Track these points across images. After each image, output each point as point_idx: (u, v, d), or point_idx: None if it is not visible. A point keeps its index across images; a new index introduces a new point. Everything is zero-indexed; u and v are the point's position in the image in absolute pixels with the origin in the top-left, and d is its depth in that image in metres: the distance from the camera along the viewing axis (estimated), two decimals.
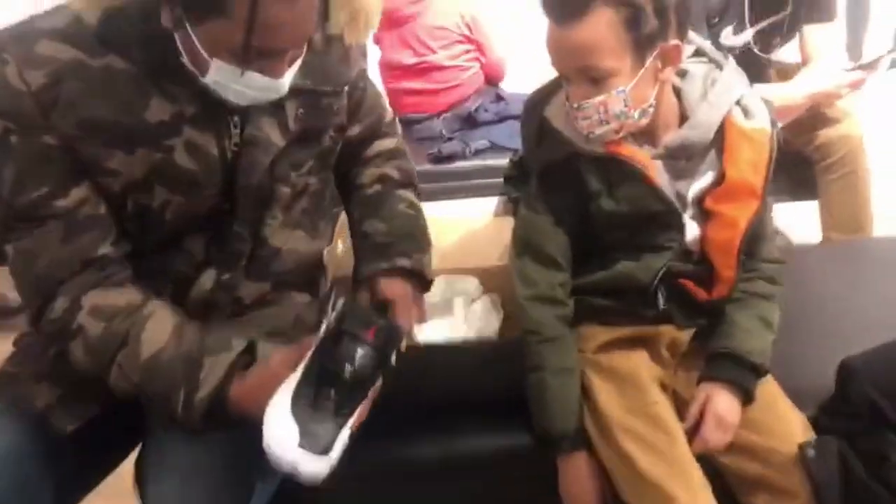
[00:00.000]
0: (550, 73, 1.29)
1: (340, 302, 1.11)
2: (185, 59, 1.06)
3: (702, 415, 1.26)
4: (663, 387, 1.33)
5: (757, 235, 1.32)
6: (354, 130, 1.36)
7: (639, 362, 1.33)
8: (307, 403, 1.04)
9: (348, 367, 1.05)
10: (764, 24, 2.02)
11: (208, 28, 1.00)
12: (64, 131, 1.06)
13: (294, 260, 1.30)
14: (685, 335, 1.37)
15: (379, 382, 1.10)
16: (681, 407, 1.31)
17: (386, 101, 1.48)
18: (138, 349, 1.10)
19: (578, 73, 1.20)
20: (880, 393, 1.24)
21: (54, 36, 1.05)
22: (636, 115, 1.21)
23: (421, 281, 1.31)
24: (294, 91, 1.14)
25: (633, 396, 1.28)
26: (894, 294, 1.62)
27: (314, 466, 1.01)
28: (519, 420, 1.33)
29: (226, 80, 1.04)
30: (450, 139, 2.84)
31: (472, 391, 1.45)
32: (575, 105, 1.21)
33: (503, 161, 1.80)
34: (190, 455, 1.16)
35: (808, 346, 1.49)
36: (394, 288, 1.27)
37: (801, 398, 1.33)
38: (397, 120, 1.58)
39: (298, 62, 1.09)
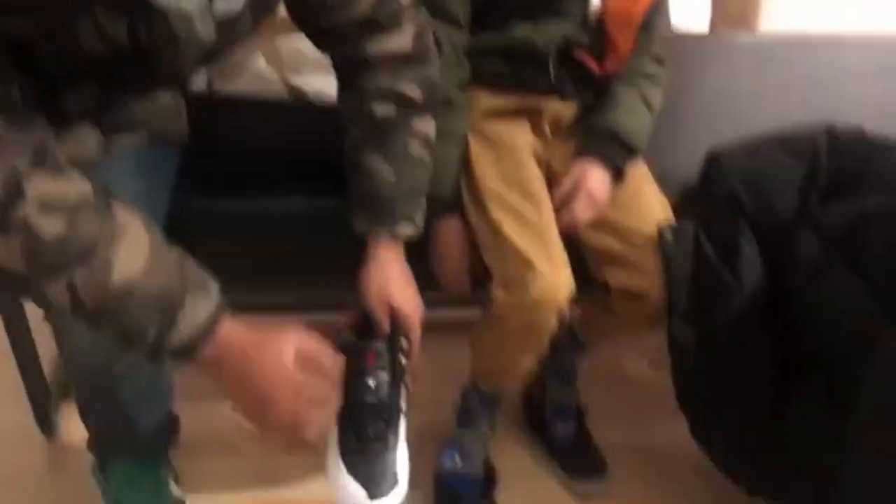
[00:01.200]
0: None
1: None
2: None
3: (574, 189, 1.27)
4: (539, 160, 1.33)
5: (656, 11, 1.30)
6: None
7: (519, 134, 1.33)
8: (356, 450, 1.11)
9: (370, 400, 1.10)
10: None
11: None
12: None
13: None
14: (569, 110, 1.36)
15: (406, 383, 1.15)
16: (554, 181, 1.32)
17: None
18: (107, 273, 0.91)
19: None
20: (742, 183, 1.29)
21: None
22: None
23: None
24: None
25: (509, 167, 1.28)
26: (772, 90, 1.64)
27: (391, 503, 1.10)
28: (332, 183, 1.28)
29: None
30: None
31: (289, 150, 1.40)
32: None
33: None
34: None
35: (681, 133, 1.51)
36: (389, 257, 1.16)
37: (667, 182, 1.37)
38: None
39: None
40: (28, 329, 1.46)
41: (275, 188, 1.36)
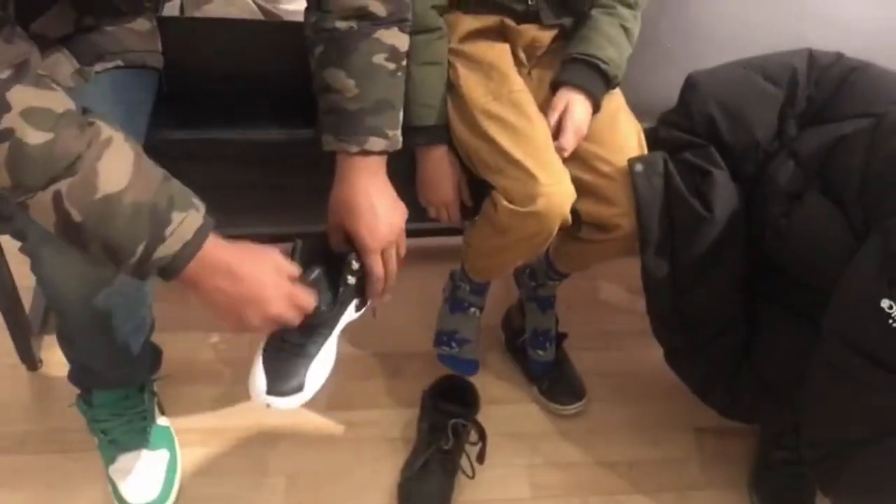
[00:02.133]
0: None
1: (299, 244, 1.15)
2: None
3: (561, 122, 1.26)
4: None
5: None
6: None
7: (503, 53, 1.31)
8: (275, 348, 1.16)
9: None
10: None
11: None
12: None
13: None
14: (546, 36, 1.34)
15: (350, 304, 1.18)
16: None
17: None
18: (94, 181, 0.92)
19: None
20: (719, 108, 1.28)
21: None
22: None
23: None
24: None
25: (497, 83, 1.27)
26: (752, 15, 1.62)
27: (285, 405, 1.16)
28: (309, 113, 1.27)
29: None
30: None
31: (265, 74, 1.36)
32: None
33: None
34: None
35: (659, 60, 1.49)
36: (357, 175, 1.13)
37: (644, 109, 1.36)
38: None
39: None
40: (5, 263, 1.46)
41: (250, 119, 1.34)
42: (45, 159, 0.90)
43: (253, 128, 1.34)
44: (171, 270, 0.98)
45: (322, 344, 1.17)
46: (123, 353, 1.30)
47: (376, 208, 1.14)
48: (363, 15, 1.11)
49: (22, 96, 0.90)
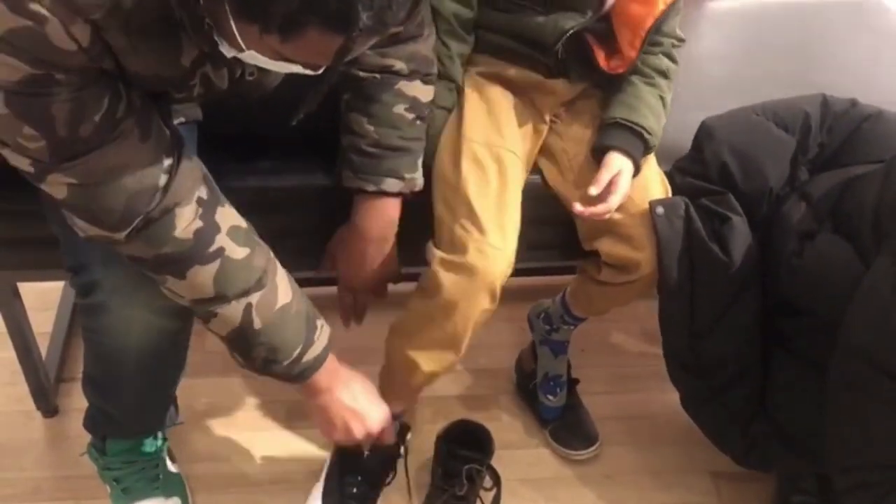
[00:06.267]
0: None
1: None
2: (214, 33, 0.88)
3: (611, 184, 1.25)
4: (537, 132, 1.34)
5: (673, 10, 1.28)
6: None
7: (513, 107, 1.33)
8: (337, 501, 1.33)
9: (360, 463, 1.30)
10: None
11: (247, 29, 0.82)
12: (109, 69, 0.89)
13: None
14: (574, 90, 1.35)
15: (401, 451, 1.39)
16: (546, 154, 1.35)
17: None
18: (275, 294, 1.06)
19: None
20: (733, 156, 1.29)
21: None
22: None
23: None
24: None
25: (495, 133, 1.27)
26: (763, 61, 1.63)
27: None
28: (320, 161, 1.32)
29: (259, 61, 0.89)
30: None
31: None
32: None
33: None
34: None
35: (675, 107, 1.49)
36: (371, 214, 1.22)
37: (660, 155, 1.36)
38: None
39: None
40: (23, 309, 1.46)
41: (269, 167, 1.34)
42: (244, 273, 1.02)
43: (271, 174, 1.34)
44: (308, 373, 1.11)
45: (380, 488, 1.40)
46: (157, 401, 1.32)
47: (367, 261, 1.25)
48: (385, 71, 1.17)
49: (225, 215, 1.01)
